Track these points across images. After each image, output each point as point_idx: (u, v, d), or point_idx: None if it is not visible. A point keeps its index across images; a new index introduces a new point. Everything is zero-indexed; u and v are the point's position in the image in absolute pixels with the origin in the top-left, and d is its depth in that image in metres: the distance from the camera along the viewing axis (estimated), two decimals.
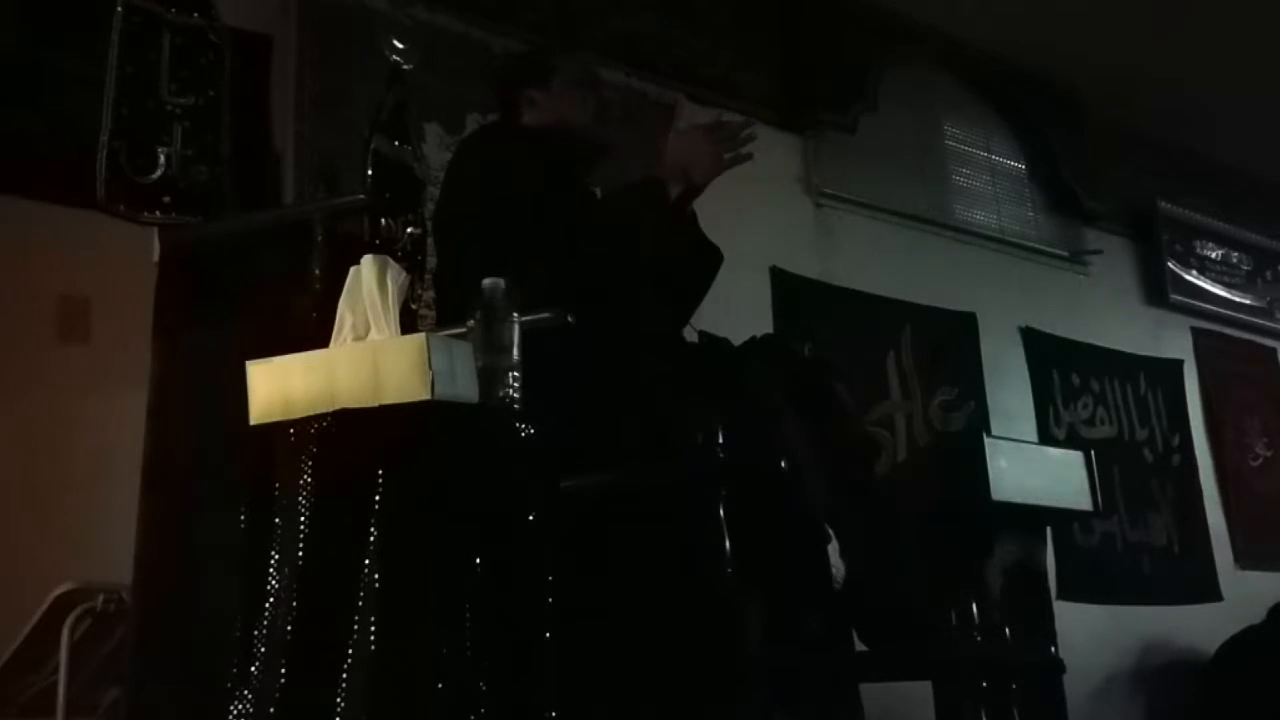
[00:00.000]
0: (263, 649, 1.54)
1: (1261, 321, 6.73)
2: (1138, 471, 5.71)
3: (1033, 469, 3.25)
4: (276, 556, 1.57)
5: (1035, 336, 5.42)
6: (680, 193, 2.29)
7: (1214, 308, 6.44)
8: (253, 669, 1.55)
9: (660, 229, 2.30)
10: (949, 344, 5.00)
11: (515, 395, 1.64)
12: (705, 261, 2.54)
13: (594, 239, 2.24)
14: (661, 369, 2.20)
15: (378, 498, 1.50)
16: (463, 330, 1.67)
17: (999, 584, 3.09)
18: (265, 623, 1.55)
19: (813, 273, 4.59)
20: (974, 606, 2.99)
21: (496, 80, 2.75)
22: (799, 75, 4.78)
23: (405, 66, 2.34)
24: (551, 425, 1.66)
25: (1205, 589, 5.76)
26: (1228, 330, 6.50)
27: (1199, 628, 5.41)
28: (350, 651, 1.47)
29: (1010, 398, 5.22)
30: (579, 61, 2.63)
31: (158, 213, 2.17)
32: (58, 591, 2.35)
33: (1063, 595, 4.52)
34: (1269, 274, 6.89)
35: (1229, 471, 6.19)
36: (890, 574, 2.22)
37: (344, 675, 1.47)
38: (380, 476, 1.51)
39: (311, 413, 1.58)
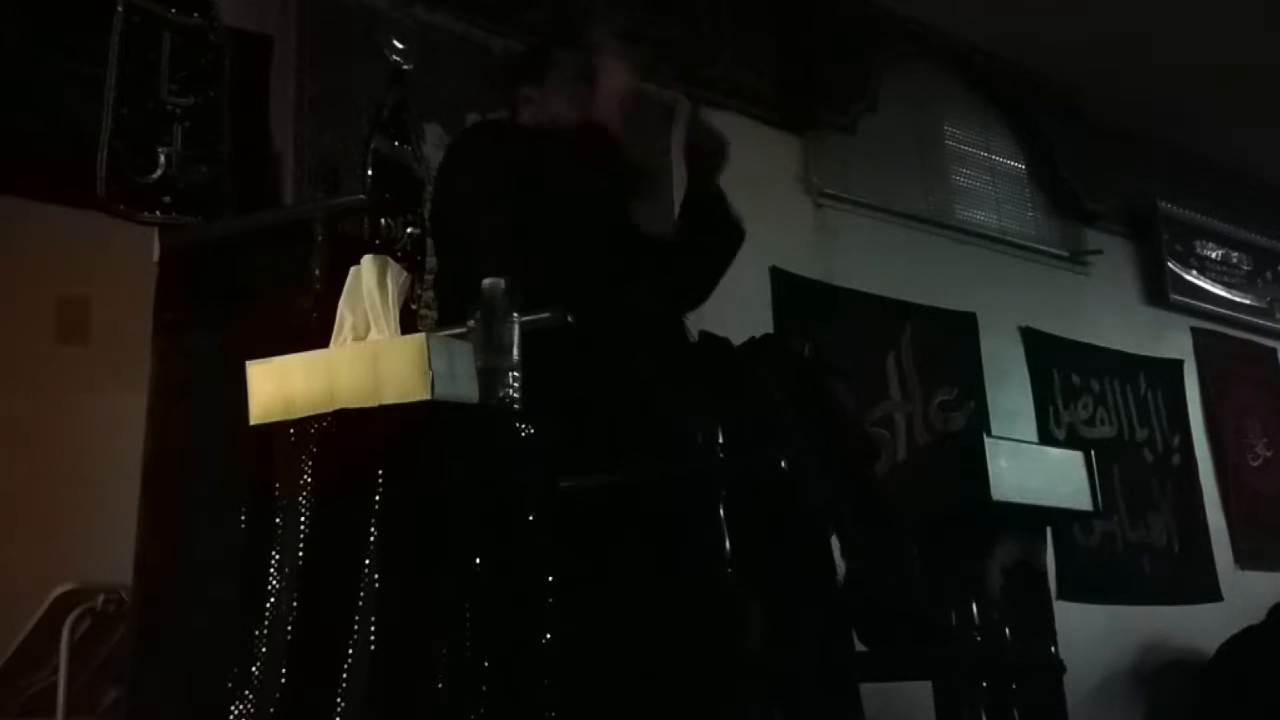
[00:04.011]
0: (263, 649, 1.54)
1: (1261, 321, 6.73)
2: (1138, 471, 5.71)
3: (1033, 469, 3.25)
4: (276, 556, 1.57)
5: (1035, 336, 5.42)
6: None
7: (1214, 308, 6.44)
8: (253, 669, 1.55)
9: (617, 178, 2.30)
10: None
11: (515, 395, 1.64)
12: (718, 236, 2.55)
13: (561, 218, 2.22)
14: (661, 368, 2.19)
15: (378, 498, 1.50)
16: (463, 330, 1.67)
17: (999, 584, 3.09)
18: (265, 623, 1.55)
19: (813, 273, 4.59)
20: (974, 606, 2.99)
21: (499, 78, 2.75)
22: (799, 75, 4.78)
23: (405, 66, 2.34)
24: (550, 424, 1.66)
25: (1205, 589, 5.76)
26: (1228, 330, 6.50)
27: (1199, 628, 5.41)
28: (350, 651, 1.47)
29: (1010, 398, 5.22)
30: (577, 59, 2.61)
31: (158, 213, 2.17)
32: (58, 591, 2.35)
33: (1063, 595, 4.52)
34: (1269, 274, 6.89)
35: (1229, 471, 6.19)
36: (890, 574, 2.22)
37: (344, 675, 1.47)
38: (380, 476, 1.51)
39: (311, 413, 1.58)
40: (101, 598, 2.32)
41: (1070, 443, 5.19)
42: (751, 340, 2.38)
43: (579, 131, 2.35)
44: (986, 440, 3.17)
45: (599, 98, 2.40)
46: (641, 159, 2.57)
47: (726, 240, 2.58)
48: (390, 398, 1.54)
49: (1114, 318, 5.88)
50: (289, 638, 1.51)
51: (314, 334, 1.73)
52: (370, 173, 2.29)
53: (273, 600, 1.55)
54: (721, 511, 1.99)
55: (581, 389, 1.99)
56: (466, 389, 1.58)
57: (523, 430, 1.64)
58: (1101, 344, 5.74)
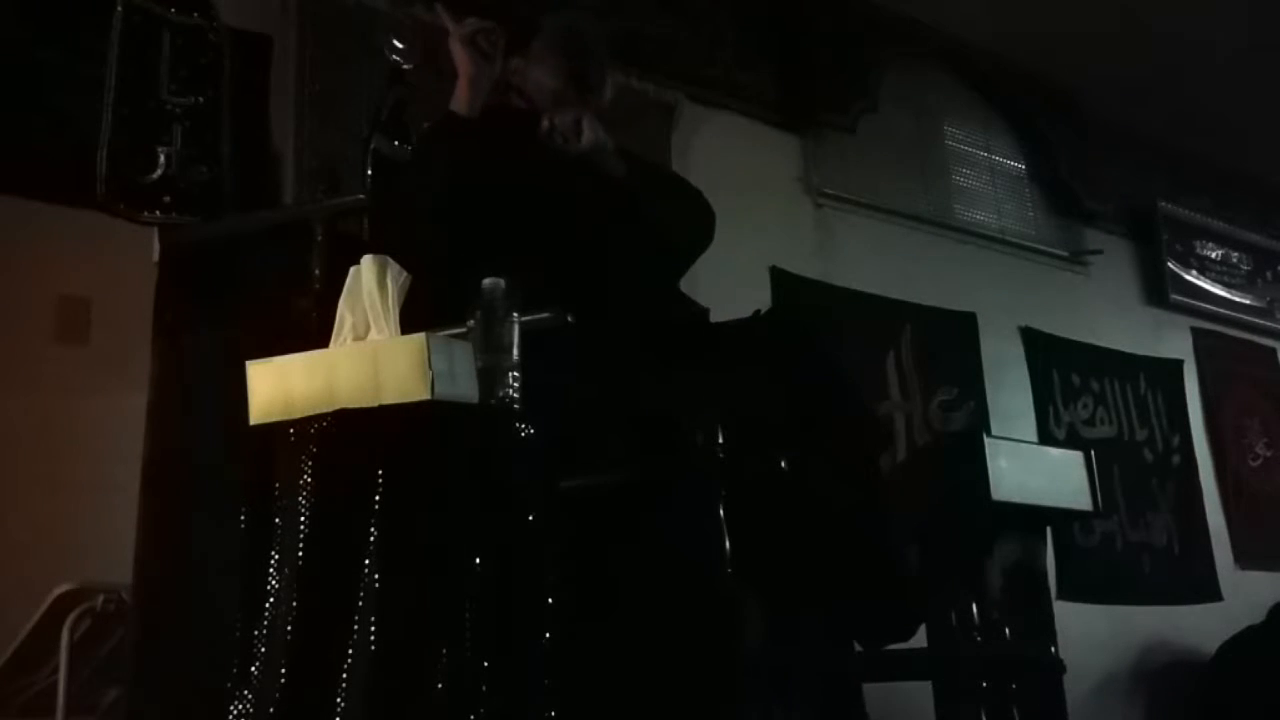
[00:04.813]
0: (263, 649, 1.54)
1: (1261, 321, 6.73)
2: (1138, 471, 5.71)
3: (1033, 469, 3.25)
4: (276, 556, 1.57)
5: (1035, 336, 5.42)
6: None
7: (1214, 308, 6.44)
8: (253, 669, 1.55)
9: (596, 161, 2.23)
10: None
11: (515, 395, 1.64)
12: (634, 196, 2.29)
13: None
14: (655, 362, 2.15)
15: (378, 498, 1.50)
16: (463, 330, 1.67)
17: (999, 584, 3.09)
18: (265, 623, 1.55)
19: (813, 273, 4.59)
20: (974, 606, 2.99)
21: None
22: (799, 75, 4.78)
23: (405, 66, 2.33)
24: (548, 424, 1.66)
25: (1205, 589, 5.76)
26: (1228, 330, 6.50)
27: (1199, 628, 5.41)
28: (350, 651, 1.47)
29: (1010, 398, 5.22)
30: (563, 21, 2.48)
31: (158, 213, 2.17)
32: (58, 591, 2.35)
33: (1063, 595, 4.52)
34: (1269, 274, 6.89)
35: (1229, 471, 6.19)
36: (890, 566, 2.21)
37: (344, 675, 1.47)
38: (380, 476, 1.51)
39: (311, 413, 1.58)
40: (101, 598, 2.33)
41: (1070, 443, 5.19)
42: (756, 315, 2.30)
43: (556, 116, 2.27)
44: (986, 440, 3.16)
45: (578, 70, 2.34)
46: (628, 145, 2.42)
47: (667, 184, 2.45)
48: (390, 398, 1.54)
49: (1114, 318, 5.88)
50: (289, 638, 1.51)
51: (314, 334, 1.73)
52: (370, 173, 2.28)
53: (272, 600, 1.55)
54: (721, 512, 1.99)
55: (577, 388, 1.98)
56: (466, 389, 1.59)
57: (523, 430, 1.64)
58: (1101, 344, 5.74)
